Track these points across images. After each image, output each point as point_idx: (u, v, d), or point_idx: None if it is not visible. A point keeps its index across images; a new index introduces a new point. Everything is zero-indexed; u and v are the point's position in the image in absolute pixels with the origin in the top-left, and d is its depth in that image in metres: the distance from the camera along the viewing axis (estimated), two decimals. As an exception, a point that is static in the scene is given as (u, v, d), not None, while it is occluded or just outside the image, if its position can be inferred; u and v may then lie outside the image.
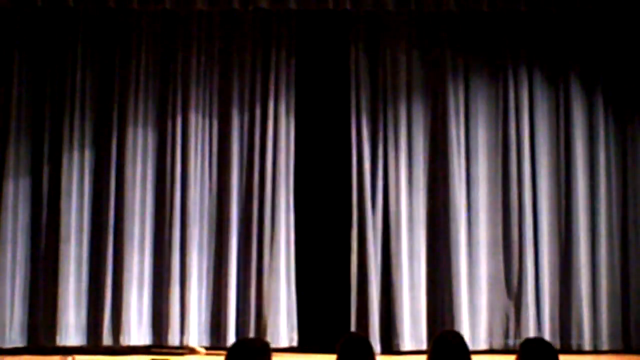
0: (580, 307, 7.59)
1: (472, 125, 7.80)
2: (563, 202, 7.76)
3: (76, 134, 7.62)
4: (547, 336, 7.40)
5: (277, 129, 7.70)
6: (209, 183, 7.69)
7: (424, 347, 7.37)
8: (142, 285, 7.52)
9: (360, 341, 4.13)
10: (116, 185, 7.58)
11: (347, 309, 7.59)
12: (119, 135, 7.64)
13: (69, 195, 7.54)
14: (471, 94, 7.83)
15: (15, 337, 7.42)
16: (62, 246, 7.47)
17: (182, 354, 7.52)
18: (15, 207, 7.53)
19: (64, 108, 7.64)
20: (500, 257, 7.70)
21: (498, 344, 7.62)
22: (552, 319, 7.63)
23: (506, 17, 7.79)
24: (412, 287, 7.57)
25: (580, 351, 7.54)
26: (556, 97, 7.86)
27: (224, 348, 7.30)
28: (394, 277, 7.56)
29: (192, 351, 7.55)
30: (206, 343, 7.54)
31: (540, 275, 7.65)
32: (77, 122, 7.63)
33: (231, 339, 7.37)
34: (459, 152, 7.72)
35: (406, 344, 7.46)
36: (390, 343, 7.51)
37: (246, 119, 7.73)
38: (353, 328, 7.39)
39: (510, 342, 7.55)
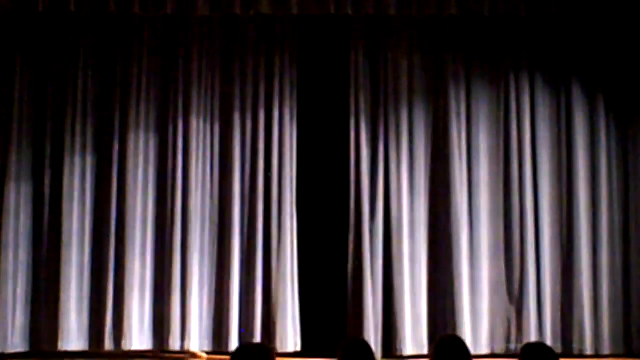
0: (581, 311, 7.58)
1: (473, 129, 7.80)
2: (564, 206, 7.75)
3: (78, 139, 7.63)
4: (548, 340, 7.40)
5: (279, 133, 7.70)
6: (211, 188, 7.69)
7: (425, 351, 7.38)
8: (144, 290, 7.52)
9: (361, 345, 4.14)
10: (118, 190, 7.59)
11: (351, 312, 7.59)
12: (121, 139, 7.65)
13: (71, 200, 7.54)
14: (473, 98, 7.84)
15: (17, 342, 7.42)
16: (64, 251, 7.48)
17: (183, 359, 7.53)
18: (17, 211, 7.54)
19: (66, 112, 7.65)
20: (502, 261, 7.70)
21: (499, 348, 7.61)
22: (553, 323, 7.62)
23: (508, 22, 7.80)
24: (413, 291, 7.57)
25: (582, 355, 7.54)
26: (557, 101, 7.86)
27: (225, 353, 7.32)
28: (395, 281, 7.55)
29: (194, 356, 7.56)
30: (208, 348, 7.54)
31: (542, 279, 7.64)
32: (78, 127, 7.64)
33: (233, 344, 7.37)
34: (460, 156, 7.72)
35: (407, 348, 7.46)
36: (391, 347, 7.50)
37: (248, 123, 7.73)
38: (354, 332, 7.37)
39: (512, 346, 7.54)
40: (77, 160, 7.62)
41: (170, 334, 7.45)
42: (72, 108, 7.65)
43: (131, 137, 7.65)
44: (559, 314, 7.64)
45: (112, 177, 7.60)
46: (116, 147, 7.64)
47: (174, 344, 7.45)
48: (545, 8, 7.48)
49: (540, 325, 7.59)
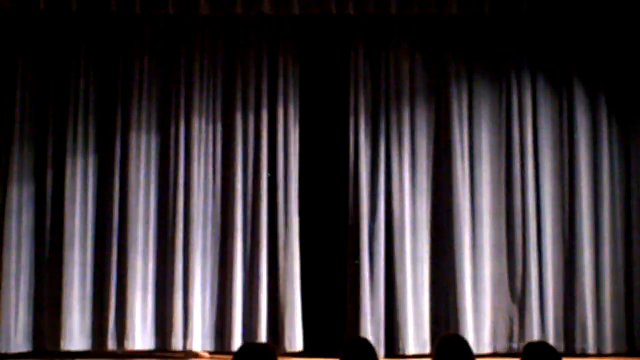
0: (584, 310, 7.59)
1: (475, 129, 7.80)
2: (566, 205, 7.76)
3: (80, 139, 7.64)
4: (551, 339, 7.40)
5: (281, 133, 7.70)
6: (213, 187, 7.69)
7: (428, 350, 7.38)
8: (146, 290, 7.53)
9: (363, 344, 4.14)
10: (120, 190, 7.59)
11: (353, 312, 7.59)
12: (123, 140, 7.66)
13: (73, 200, 7.55)
14: (474, 98, 7.84)
15: (20, 341, 7.43)
16: (66, 251, 7.48)
17: (185, 358, 7.54)
18: (19, 211, 7.54)
19: (68, 112, 7.66)
20: (504, 260, 7.70)
21: (502, 347, 7.62)
22: (556, 322, 7.62)
23: (509, 21, 7.80)
24: (416, 290, 7.57)
25: (584, 354, 7.54)
26: (559, 100, 7.86)
27: (228, 352, 7.33)
28: (398, 280, 7.55)
29: (196, 356, 7.56)
30: (210, 347, 7.54)
31: (544, 278, 7.64)
32: (80, 127, 7.65)
33: (236, 343, 7.37)
34: (462, 155, 7.73)
35: (410, 347, 7.46)
36: (393, 346, 7.50)
37: (250, 123, 7.73)
38: (354, 332, 7.37)
39: (514, 345, 7.54)
40: (79, 160, 7.62)
41: (172, 334, 7.45)
42: (73, 108, 7.66)
43: (133, 137, 7.65)
44: (561, 312, 7.64)
45: (114, 177, 7.61)
46: (118, 147, 7.65)
47: (177, 343, 7.45)
48: (547, 7, 7.49)
49: (543, 324, 7.59)
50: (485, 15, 7.62)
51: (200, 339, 7.49)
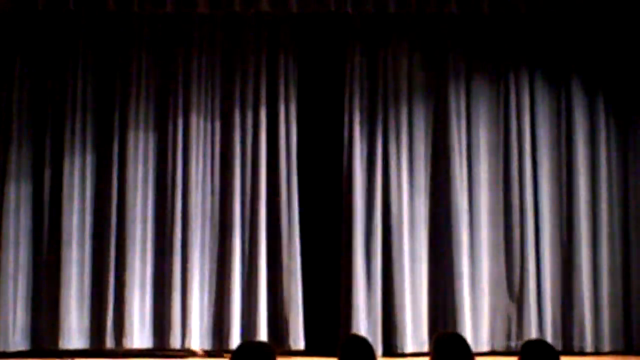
0: (582, 308, 7.60)
1: (473, 127, 7.81)
2: (564, 204, 7.77)
3: (77, 137, 7.63)
4: (549, 338, 7.41)
5: (279, 131, 7.70)
6: (211, 186, 7.69)
7: (426, 349, 7.38)
8: (144, 288, 7.53)
9: (361, 342, 4.14)
10: (118, 189, 7.59)
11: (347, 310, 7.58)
12: (121, 138, 7.65)
13: (71, 199, 7.55)
14: (472, 97, 7.84)
15: (18, 340, 7.42)
16: (64, 249, 7.48)
17: (184, 357, 7.53)
18: (17, 210, 7.54)
19: (66, 111, 7.65)
20: (502, 259, 7.71)
21: (500, 345, 7.63)
22: (554, 320, 7.64)
23: (507, 20, 7.80)
24: (414, 288, 7.58)
25: (582, 352, 7.56)
26: (557, 99, 7.87)
27: (226, 351, 7.33)
28: (396, 278, 7.56)
29: (194, 354, 7.56)
30: (208, 346, 7.54)
31: (542, 276, 7.66)
32: (78, 125, 7.64)
33: (234, 342, 7.37)
34: (460, 154, 7.73)
35: (408, 346, 7.46)
36: (391, 345, 7.51)
37: (248, 121, 7.73)
38: (353, 330, 7.37)
39: (512, 344, 7.56)
40: (77, 159, 7.62)
41: (171, 332, 7.45)
42: (71, 107, 7.65)
43: (131, 135, 7.65)
44: (559, 311, 7.65)
45: (112, 175, 7.60)
46: (116, 145, 7.64)
47: (175, 342, 7.45)
48: (545, 6, 7.49)
49: (541, 323, 7.60)
50: (484, 15, 7.62)
51: (198, 338, 7.49)
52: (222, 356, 7.42)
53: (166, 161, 7.66)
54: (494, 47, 7.87)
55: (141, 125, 7.67)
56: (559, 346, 7.37)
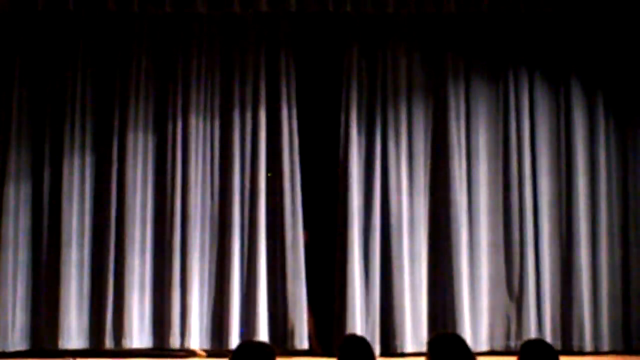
0: (581, 308, 7.60)
1: (472, 127, 7.81)
2: (564, 203, 7.77)
3: (77, 138, 7.63)
4: (548, 337, 7.41)
5: (279, 131, 7.70)
6: (211, 186, 7.69)
7: (425, 349, 7.37)
8: (144, 288, 7.52)
9: (360, 342, 4.15)
10: (117, 189, 7.59)
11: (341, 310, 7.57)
12: (120, 138, 7.65)
13: (70, 199, 7.55)
14: (472, 96, 7.84)
15: (17, 340, 7.43)
16: (64, 250, 7.48)
17: (183, 357, 7.54)
18: (16, 210, 7.54)
19: (65, 112, 7.65)
20: (501, 259, 7.72)
21: (499, 345, 7.63)
22: (553, 320, 7.64)
23: (507, 20, 7.80)
24: (413, 288, 7.58)
25: (581, 352, 7.56)
26: (556, 98, 7.88)
27: (226, 351, 7.32)
28: (395, 278, 7.56)
29: (194, 354, 7.56)
30: (208, 346, 7.54)
31: (541, 276, 7.66)
32: (77, 126, 7.64)
33: (234, 342, 7.37)
34: (459, 154, 7.73)
35: (407, 345, 7.46)
36: (391, 345, 7.51)
37: (247, 121, 7.73)
38: (354, 330, 7.37)
39: (512, 343, 7.56)
40: (77, 159, 7.62)
41: (170, 332, 7.45)
42: (71, 107, 7.65)
43: (130, 135, 7.65)
44: (558, 310, 7.66)
45: (111, 176, 7.60)
46: (115, 146, 7.64)
47: (174, 342, 7.45)
48: (544, 6, 7.50)
49: (540, 322, 7.61)
50: (483, 14, 7.63)
51: (198, 338, 7.49)
52: (224, 356, 7.41)
53: (165, 161, 7.66)
54: (493, 47, 7.87)
55: (140, 125, 7.67)
56: (558, 346, 7.38)
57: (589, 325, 7.59)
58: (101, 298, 7.49)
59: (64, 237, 7.50)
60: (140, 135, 7.67)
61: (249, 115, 7.73)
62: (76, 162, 7.61)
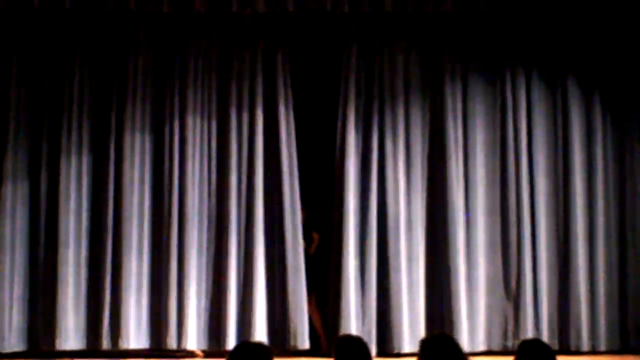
0: (578, 307, 7.61)
1: (470, 126, 7.81)
2: (561, 203, 7.78)
3: (74, 138, 7.62)
4: (545, 337, 7.42)
5: (276, 131, 7.70)
6: (208, 186, 7.69)
7: (423, 349, 7.37)
8: (141, 289, 7.52)
9: (356, 342, 4.15)
10: (114, 189, 7.59)
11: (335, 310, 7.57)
12: (117, 139, 7.65)
13: (67, 200, 7.54)
14: (469, 96, 7.85)
15: (14, 341, 7.43)
16: (61, 250, 7.47)
17: (180, 357, 7.53)
18: (13, 211, 7.54)
19: (62, 111, 7.64)
20: (499, 259, 7.72)
21: (496, 345, 7.64)
22: (550, 320, 7.65)
23: (504, 19, 7.81)
24: (411, 288, 7.58)
25: (578, 352, 7.57)
26: (554, 98, 7.88)
27: (223, 351, 7.32)
28: (393, 278, 7.56)
29: (191, 355, 7.55)
30: (205, 347, 7.54)
31: (539, 276, 7.67)
32: (75, 126, 7.63)
33: (231, 342, 7.37)
34: (456, 153, 7.74)
35: (405, 345, 7.46)
36: (388, 345, 7.51)
37: (244, 121, 7.73)
38: (349, 330, 7.37)
39: (509, 343, 7.57)
40: (74, 159, 7.61)
41: (167, 333, 7.45)
42: (68, 107, 7.65)
43: (127, 135, 7.64)
44: (555, 310, 7.66)
45: (108, 176, 7.60)
46: (112, 146, 7.64)
47: (171, 342, 7.45)
48: (542, 6, 7.51)
49: (537, 322, 7.61)
50: (480, 13, 7.63)
51: (195, 338, 7.48)
52: (221, 356, 7.40)
53: (163, 162, 7.66)
54: (491, 46, 7.88)
55: (138, 125, 7.67)
56: (555, 345, 7.39)
57: (586, 324, 7.60)
58: (98, 298, 7.49)
59: (61, 237, 7.49)
60: (138, 135, 7.66)
61: (245, 115, 7.73)
62: (73, 162, 7.61)
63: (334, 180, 7.74)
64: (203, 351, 7.56)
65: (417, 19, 7.79)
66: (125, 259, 7.49)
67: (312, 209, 7.93)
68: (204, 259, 7.60)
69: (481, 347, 7.58)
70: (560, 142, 7.84)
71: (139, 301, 7.50)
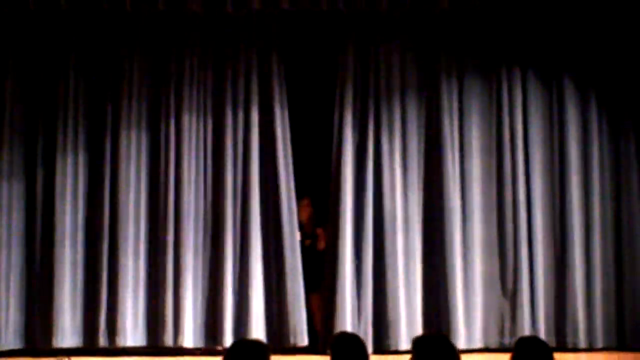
0: (574, 305, 7.62)
1: (466, 125, 7.81)
2: (557, 201, 7.78)
3: (70, 137, 7.62)
4: (542, 334, 7.43)
5: (272, 130, 7.69)
6: (204, 184, 7.68)
7: (420, 346, 7.37)
8: (137, 287, 7.52)
9: (352, 339, 4.15)
10: (110, 188, 7.58)
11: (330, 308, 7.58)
12: (113, 138, 7.64)
13: (64, 198, 7.53)
14: (465, 94, 7.85)
15: (11, 339, 7.42)
16: (57, 248, 7.47)
17: (177, 355, 7.53)
18: (9, 210, 7.53)
19: (58, 110, 7.63)
20: (495, 256, 7.72)
21: (493, 342, 7.64)
22: (547, 317, 7.65)
23: (500, 18, 7.81)
24: (407, 286, 7.58)
25: (575, 349, 7.58)
26: (549, 97, 7.88)
27: (220, 349, 7.33)
28: (389, 276, 7.56)
29: (188, 352, 7.55)
30: (202, 344, 7.53)
31: (535, 273, 7.67)
32: (71, 125, 7.63)
33: (227, 340, 7.37)
34: (453, 152, 7.74)
35: (402, 343, 7.46)
36: (384, 343, 7.51)
37: (240, 120, 7.72)
38: (345, 328, 7.37)
39: (506, 340, 7.57)
40: (70, 158, 7.61)
41: (164, 331, 7.44)
42: (64, 105, 7.64)
43: (123, 134, 7.63)
44: (552, 308, 7.67)
45: (104, 175, 7.59)
46: (108, 145, 7.63)
47: (168, 340, 7.44)
48: (538, 4, 7.50)
49: (534, 319, 7.62)
50: (476, 12, 7.63)
51: (191, 336, 7.48)
52: (218, 354, 7.40)
53: (159, 160, 7.65)
54: (486, 44, 7.88)
55: (134, 124, 7.66)
56: (552, 343, 7.40)
57: (583, 322, 7.61)
58: (95, 296, 7.48)
59: (58, 235, 7.49)
60: (134, 134, 7.65)
61: (241, 113, 7.72)
62: (69, 160, 7.60)
63: (330, 179, 7.73)
64: (199, 349, 7.55)
65: (413, 17, 7.78)
66: (121, 256, 7.49)
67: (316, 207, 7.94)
68: (200, 257, 7.60)
69: (478, 345, 7.58)
70: (556, 140, 7.84)
71: (135, 299, 7.50)
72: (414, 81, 7.83)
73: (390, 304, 7.52)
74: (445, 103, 7.78)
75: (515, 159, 7.77)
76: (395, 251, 7.58)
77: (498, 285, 7.70)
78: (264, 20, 7.76)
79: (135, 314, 7.49)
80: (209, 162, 7.70)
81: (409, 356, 7.16)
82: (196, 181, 7.66)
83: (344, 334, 4.56)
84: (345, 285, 7.50)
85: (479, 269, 7.68)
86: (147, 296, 7.54)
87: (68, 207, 7.54)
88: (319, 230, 7.89)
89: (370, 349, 7.26)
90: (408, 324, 7.52)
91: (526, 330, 7.49)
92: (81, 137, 7.65)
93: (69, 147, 7.61)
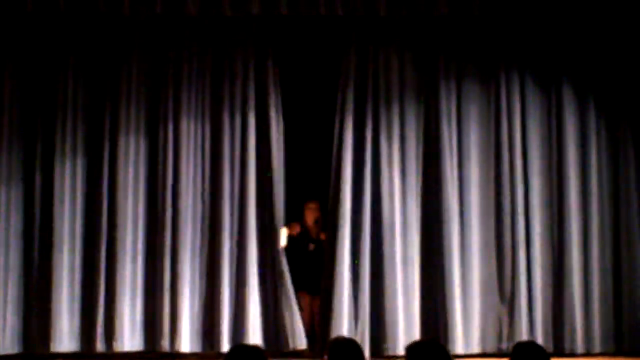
0: (572, 310, 7.61)
1: (464, 129, 7.81)
2: (555, 205, 7.78)
3: (68, 141, 7.62)
4: (540, 339, 7.42)
5: (268, 134, 7.69)
6: (202, 189, 7.68)
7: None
8: (135, 292, 7.52)
9: (349, 343, 4.14)
10: (108, 192, 7.58)
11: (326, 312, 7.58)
12: (111, 142, 7.64)
13: (62, 203, 7.53)
14: (463, 98, 7.85)
15: (8, 344, 7.41)
16: (55, 253, 7.47)
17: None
18: (7, 214, 7.53)
19: (56, 114, 7.64)
20: (493, 261, 7.72)
21: (491, 347, 7.63)
22: (544, 322, 7.65)
23: (498, 22, 7.81)
24: (405, 291, 7.57)
25: (572, 354, 7.57)
26: (548, 100, 7.89)
27: (217, 354, 7.32)
28: (387, 281, 7.55)
29: (185, 357, 7.54)
30: (199, 349, 7.53)
31: (533, 278, 7.66)
32: (69, 129, 7.63)
33: (224, 344, 7.37)
34: (451, 156, 7.74)
35: (399, 347, 7.45)
36: (382, 347, 7.50)
37: (237, 124, 7.72)
38: (342, 332, 7.37)
39: (503, 345, 7.56)
40: (68, 162, 7.61)
41: (161, 336, 7.44)
42: (62, 109, 7.64)
43: (121, 138, 7.63)
44: (550, 312, 7.66)
45: (102, 178, 7.59)
46: (107, 148, 7.63)
47: (165, 345, 7.44)
48: (536, 9, 7.52)
49: (532, 324, 7.61)
50: (474, 17, 7.64)
51: (188, 341, 7.47)
52: (215, 359, 7.40)
53: (156, 164, 7.65)
54: (485, 49, 7.88)
55: (132, 128, 7.67)
56: (550, 348, 7.38)
57: (581, 327, 7.60)
58: (92, 301, 7.48)
59: (56, 240, 7.49)
60: (132, 137, 7.66)
61: (238, 117, 7.72)
62: (68, 164, 7.61)
63: (327, 182, 7.73)
64: (196, 354, 7.54)
65: (412, 22, 7.79)
66: (119, 261, 7.49)
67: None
68: (197, 261, 7.60)
69: (476, 350, 7.57)
70: (554, 144, 7.84)
71: (133, 303, 7.50)
72: (413, 86, 7.84)
73: (387, 308, 7.52)
74: (444, 108, 7.78)
75: (514, 164, 7.77)
76: (393, 255, 7.58)
77: (496, 290, 7.70)
78: (262, 25, 7.77)
79: (132, 319, 7.49)
80: (207, 166, 7.71)
81: (406, 361, 7.19)
82: (193, 186, 7.66)
83: (341, 339, 4.55)
84: (343, 289, 7.50)
85: (476, 274, 7.67)
86: (144, 301, 7.54)
87: (66, 212, 7.54)
88: (323, 236, 7.87)
89: (367, 353, 7.27)
90: (405, 328, 7.51)
91: (524, 335, 7.48)
92: (79, 142, 7.65)
93: (68, 151, 7.61)
